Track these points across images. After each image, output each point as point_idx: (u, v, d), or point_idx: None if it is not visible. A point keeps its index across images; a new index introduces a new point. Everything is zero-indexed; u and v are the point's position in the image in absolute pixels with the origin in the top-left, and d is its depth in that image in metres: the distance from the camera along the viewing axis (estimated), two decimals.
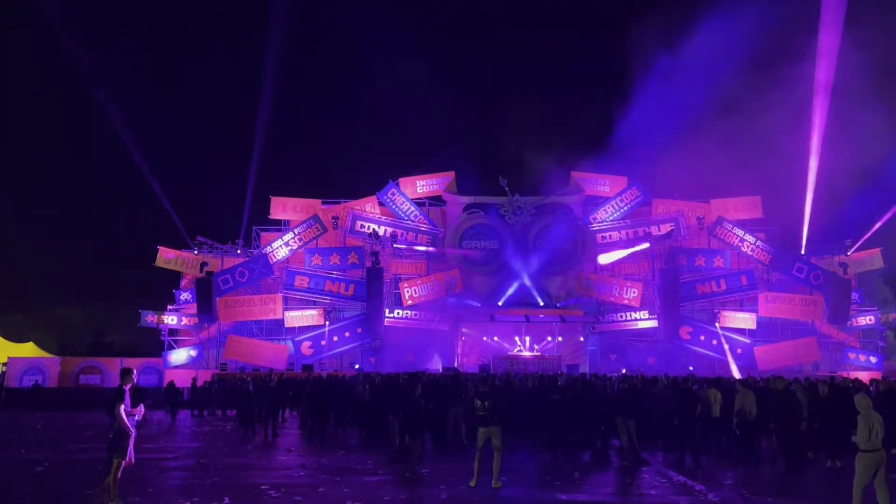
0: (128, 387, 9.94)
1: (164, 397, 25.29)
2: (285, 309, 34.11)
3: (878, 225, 33.60)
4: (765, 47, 34.55)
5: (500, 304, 34.02)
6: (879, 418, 9.06)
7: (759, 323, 33.99)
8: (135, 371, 10.87)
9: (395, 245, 34.30)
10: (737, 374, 28.41)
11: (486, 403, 11.61)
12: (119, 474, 9.77)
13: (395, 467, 13.05)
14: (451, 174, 37.81)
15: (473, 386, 16.39)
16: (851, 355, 33.34)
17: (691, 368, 29.87)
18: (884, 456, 8.90)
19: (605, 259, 34.94)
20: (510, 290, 34.52)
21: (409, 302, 33.67)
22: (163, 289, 36.94)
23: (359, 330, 32.99)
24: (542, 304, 34.22)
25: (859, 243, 34.91)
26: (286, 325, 34.16)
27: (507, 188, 35.84)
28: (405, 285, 33.98)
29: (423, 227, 35.77)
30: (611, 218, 36.16)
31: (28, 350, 37.41)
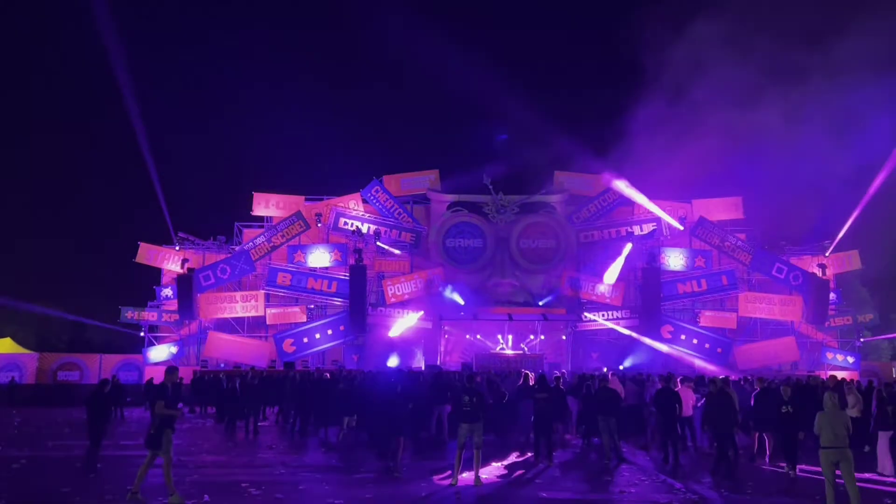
0: (170, 384, 10.51)
1: (144, 394, 25.09)
2: (267, 306, 33.91)
3: (847, 225, 33.81)
4: (745, 46, 34.78)
5: (481, 301, 33.99)
6: (843, 419, 9.32)
7: (739, 322, 34.29)
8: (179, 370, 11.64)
9: (378, 243, 34.21)
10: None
11: (473, 399, 11.66)
12: (168, 470, 10.12)
13: (377, 465, 13.03)
14: (435, 172, 37.74)
15: (460, 382, 16.43)
16: (829, 355, 33.72)
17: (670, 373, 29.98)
18: (846, 454, 9.12)
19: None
20: (493, 289, 34.53)
21: (393, 300, 33.61)
22: (143, 285, 36.66)
23: (341, 327, 32.85)
24: (524, 302, 34.28)
25: (835, 243, 35.15)
26: (268, 322, 33.94)
27: (490, 186, 35.87)
28: (388, 283, 33.90)
29: (407, 225, 35.71)
30: (593, 217, 36.28)
31: (5, 346, 36.89)
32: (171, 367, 10.87)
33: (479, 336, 33.68)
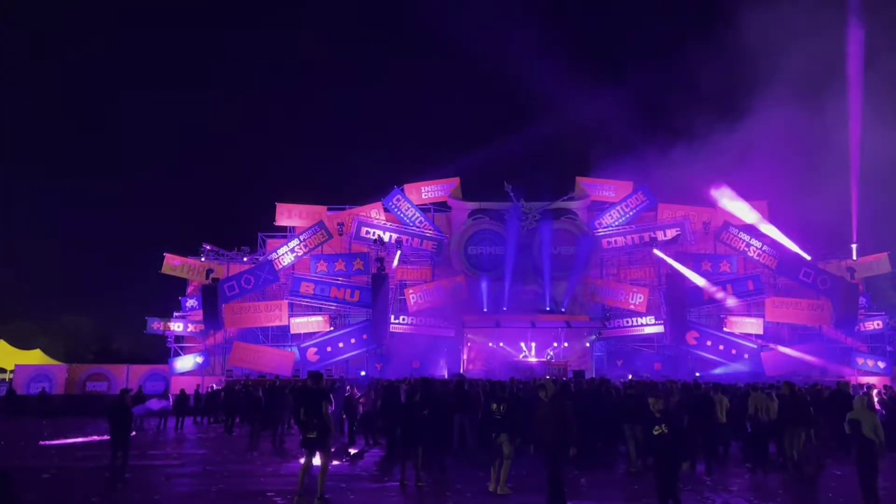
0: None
1: (172, 404, 25.37)
2: (291, 315, 34.11)
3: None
4: (770, 50, 34.49)
5: (504, 308, 33.89)
6: (872, 419, 10.04)
7: (766, 328, 33.80)
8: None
9: (398, 252, 34.29)
10: None
11: (502, 408, 11.63)
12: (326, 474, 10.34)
13: (400, 474, 12.99)
14: (457, 180, 37.80)
15: (486, 391, 16.40)
16: (859, 360, 33.11)
17: (698, 374, 29.70)
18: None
19: None
20: (515, 296, 34.41)
21: (415, 308, 33.64)
22: (169, 296, 37.12)
23: (364, 336, 32.94)
24: (547, 309, 34.12)
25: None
26: (292, 331, 34.14)
27: (512, 193, 35.82)
28: (410, 291, 33.95)
29: (429, 233, 35.75)
30: (616, 223, 36.04)
31: (35, 357, 37.55)
32: (318, 373, 11.02)
33: (501, 344, 33.56)
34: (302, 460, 10.70)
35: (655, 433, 8.51)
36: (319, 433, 10.20)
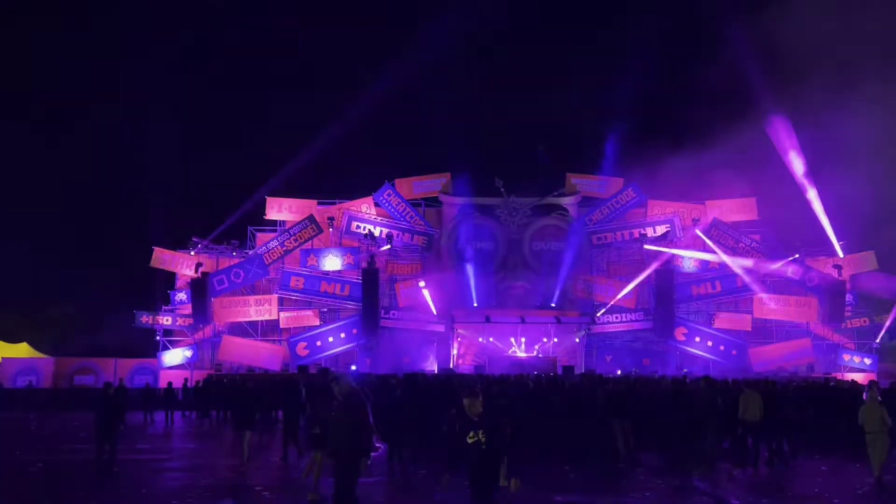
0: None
1: (162, 398, 25.28)
2: (280, 310, 34.01)
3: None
4: (764, 46, 34.56)
5: (494, 303, 33.93)
6: (880, 411, 11.69)
7: (753, 324, 34.01)
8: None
9: (388, 245, 34.25)
10: None
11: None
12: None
13: (389, 470, 13.01)
14: (447, 175, 37.73)
15: (467, 386, 16.35)
16: (846, 357, 33.41)
17: (686, 371, 29.85)
18: (881, 437, 11.59)
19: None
20: (505, 291, 34.46)
21: (405, 302, 33.62)
22: (158, 289, 36.86)
23: (354, 331, 32.90)
24: (537, 305, 34.20)
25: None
26: (281, 325, 34.04)
27: (502, 189, 35.82)
28: (401, 286, 33.93)
29: (419, 228, 35.71)
30: (606, 219, 36.12)
31: (22, 350, 37.21)
32: (326, 369, 10.83)
33: (491, 339, 33.59)
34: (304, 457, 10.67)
35: (470, 441, 6.69)
36: (322, 430, 10.13)
